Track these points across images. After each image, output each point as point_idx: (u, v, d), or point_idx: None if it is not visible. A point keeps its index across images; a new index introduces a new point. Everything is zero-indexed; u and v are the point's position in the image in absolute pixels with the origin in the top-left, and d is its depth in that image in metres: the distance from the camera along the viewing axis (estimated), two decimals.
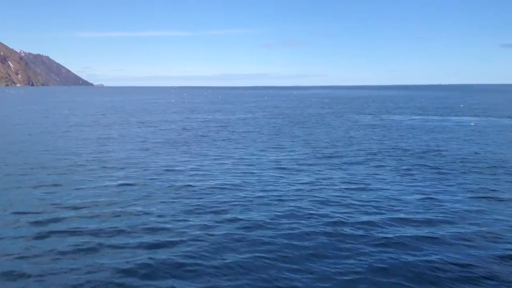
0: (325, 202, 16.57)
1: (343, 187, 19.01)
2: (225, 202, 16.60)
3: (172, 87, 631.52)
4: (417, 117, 57.81)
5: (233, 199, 16.95)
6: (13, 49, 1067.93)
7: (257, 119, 55.68)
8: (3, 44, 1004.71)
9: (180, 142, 33.96)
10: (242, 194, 17.70)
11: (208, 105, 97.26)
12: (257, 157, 26.84)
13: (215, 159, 25.92)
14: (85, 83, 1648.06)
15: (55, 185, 19.48)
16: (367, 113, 67.65)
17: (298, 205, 16.19)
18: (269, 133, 39.42)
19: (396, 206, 16.08)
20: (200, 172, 22.13)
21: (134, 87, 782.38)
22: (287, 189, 18.66)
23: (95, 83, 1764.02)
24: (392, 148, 30.15)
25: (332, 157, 26.80)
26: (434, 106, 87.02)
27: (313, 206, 16.08)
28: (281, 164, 24.31)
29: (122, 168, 23.13)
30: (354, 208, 15.79)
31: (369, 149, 29.95)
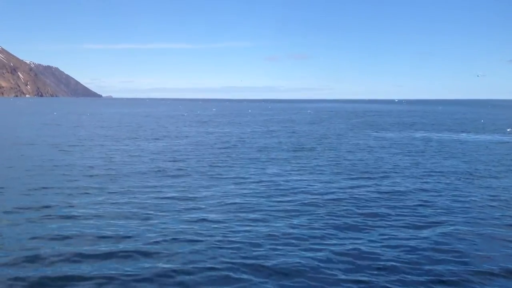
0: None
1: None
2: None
3: (181, 99, 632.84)
4: (446, 134, 55.38)
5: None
6: (23, 60, 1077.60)
7: (274, 132, 53.57)
8: (13, 55, 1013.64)
9: (203, 160, 31.84)
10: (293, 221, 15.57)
11: (220, 118, 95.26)
12: (289, 178, 24.64)
13: (243, 181, 23.78)
14: (94, 94, 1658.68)
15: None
16: (388, 128, 65.21)
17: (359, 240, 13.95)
18: (293, 150, 37.02)
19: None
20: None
21: (142, 99, 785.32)
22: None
23: (103, 95, 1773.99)
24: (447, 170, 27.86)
25: (381, 177, 24.54)
26: (456, 121, 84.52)
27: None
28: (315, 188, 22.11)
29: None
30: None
31: (420, 172, 27.65)
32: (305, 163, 29.57)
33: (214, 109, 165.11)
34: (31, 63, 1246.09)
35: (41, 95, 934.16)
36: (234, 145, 40.11)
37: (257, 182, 23.01)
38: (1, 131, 54.60)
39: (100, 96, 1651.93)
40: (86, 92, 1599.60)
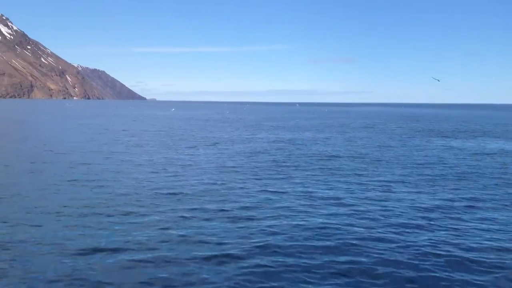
0: None
1: None
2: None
3: (224, 102, 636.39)
4: None
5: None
6: (71, 63, 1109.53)
7: (330, 139, 49.84)
8: (62, 59, 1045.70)
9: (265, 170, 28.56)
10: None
11: (269, 122, 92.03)
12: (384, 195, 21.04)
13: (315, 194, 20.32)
14: (139, 97, 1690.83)
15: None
16: (455, 136, 60.18)
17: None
18: (358, 160, 33.22)
19: None
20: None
21: (185, 102, 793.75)
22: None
23: (147, 97, 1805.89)
24: None
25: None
26: None
27: None
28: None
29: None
30: None
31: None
32: (378, 177, 25.81)
33: (256, 113, 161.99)
34: (79, 66, 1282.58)
35: (88, 98, 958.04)
36: (291, 155, 36.54)
37: (335, 202, 19.50)
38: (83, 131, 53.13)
39: (144, 99, 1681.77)
40: (131, 95, 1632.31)
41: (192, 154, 35.78)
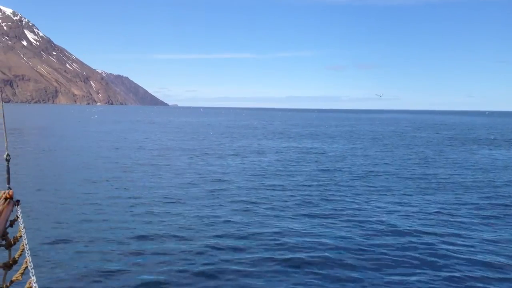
0: None
1: None
2: None
3: (245, 108, 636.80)
4: None
5: None
6: (95, 69, 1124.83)
7: (363, 149, 46.29)
8: (86, 65, 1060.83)
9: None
10: None
11: (295, 129, 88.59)
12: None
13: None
14: (161, 103, 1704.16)
15: None
16: (501, 145, 55.97)
17: None
18: (403, 176, 29.51)
19: None
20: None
21: (206, 108, 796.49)
22: None
23: (170, 103, 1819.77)
24: None
25: None
26: None
27: None
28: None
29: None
30: None
31: None
32: (433, 198, 22.25)
33: (281, 120, 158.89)
34: (103, 72, 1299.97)
35: (111, 103, 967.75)
36: (329, 168, 33.06)
37: (392, 230, 16.09)
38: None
39: (166, 104, 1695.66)
40: (153, 101, 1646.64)
41: (225, 165, 32.72)
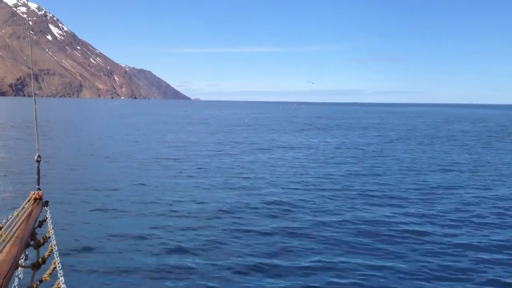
0: None
1: None
2: None
3: (268, 102, 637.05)
4: None
5: None
6: (119, 64, 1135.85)
7: (399, 142, 44.09)
8: (110, 60, 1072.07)
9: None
10: None
11: (322, 120, 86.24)
12: None
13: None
14: (183, 97, 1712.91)
15: None
16: None
17: None
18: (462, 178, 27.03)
19: None
20: None
21: (229, 102, 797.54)
22: None
23: (192, 97, 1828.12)
24: None
25: None
26: None
27: None
28: None
29: None
30: None
31: None
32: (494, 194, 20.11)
33: (308, 112, 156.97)
34: (126, 66, 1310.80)
35: (135, 97, 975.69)
36: (375, 167, 31.04)
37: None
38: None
39: (189, 98, 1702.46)
40: (176, 95, 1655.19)
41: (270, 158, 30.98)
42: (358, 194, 19.42)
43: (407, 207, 17.08)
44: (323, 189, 20.26)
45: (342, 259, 11.60)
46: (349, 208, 16.81)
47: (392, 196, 18.95)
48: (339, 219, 15.24)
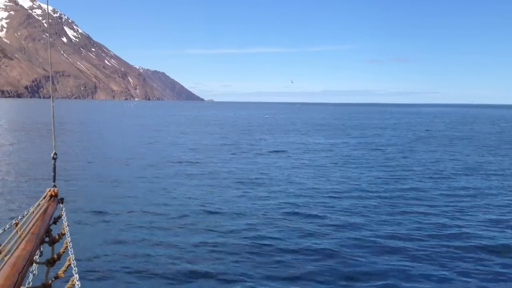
0: None
1: None
2: None
3: (279, 103, 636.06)
4: None
5: None
6: (133, 65, 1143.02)
7: (419, 145, 43.14)
8: (124, 61, 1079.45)
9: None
10: None
11: (342, 121, 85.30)
12: None
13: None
14: (197, 98, 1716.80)
15: None
16: None
17: None
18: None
19: None
20: None
21: (242, 103, 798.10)
22: None
23: (205, 98, 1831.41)
24: None
25: None
26: None
27: None
28: None
29: None
30: None
31: None
32: None
33: (322, 114, 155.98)
34: (140, 68, 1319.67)
35: (148, 99, 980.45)
36: (407, 171, 30.27)
37: None
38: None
39: (202, 99, 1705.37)
40: (189, 96, 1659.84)
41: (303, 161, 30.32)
42: (387, 198, 18.68)
43: (437, 213, 16.35)
44: (354, 194, 19.59)
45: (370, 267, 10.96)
46: (383, 212, 16.17)
47: (420, 200, 18.22)
48: (368, 223, 14.62)
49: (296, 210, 16.28)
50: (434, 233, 13.59)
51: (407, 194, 19.22)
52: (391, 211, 16.27)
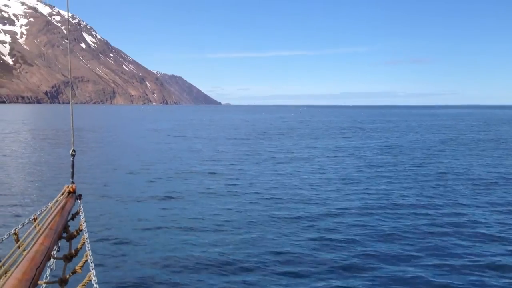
0: None
1: None
2: None
3: (298, 106, 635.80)
4: None
5: None
6: (151, 70, 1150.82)
7: (451, 149, 40.02)
8: (142, 66, 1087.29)
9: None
10: None
11: (363, 124, 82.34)
12: None
13: None
14: (214, 101, 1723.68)
15: None
16: None
17: None
18: None
19: None
20: None
21: (260, 106, 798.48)
22: None
23: (222, 102, 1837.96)
24: None
25: None
26: None
27: None
28: None
29: None
30: None
31: None
32: None
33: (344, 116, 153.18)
34: (158, 72, 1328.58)
35: (166, 103, 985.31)
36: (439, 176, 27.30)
37: None
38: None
39: (219, 103, 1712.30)
40: (207, 100, 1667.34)
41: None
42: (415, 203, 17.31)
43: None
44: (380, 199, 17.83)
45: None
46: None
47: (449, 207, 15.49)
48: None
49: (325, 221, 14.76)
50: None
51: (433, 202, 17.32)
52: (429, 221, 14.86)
